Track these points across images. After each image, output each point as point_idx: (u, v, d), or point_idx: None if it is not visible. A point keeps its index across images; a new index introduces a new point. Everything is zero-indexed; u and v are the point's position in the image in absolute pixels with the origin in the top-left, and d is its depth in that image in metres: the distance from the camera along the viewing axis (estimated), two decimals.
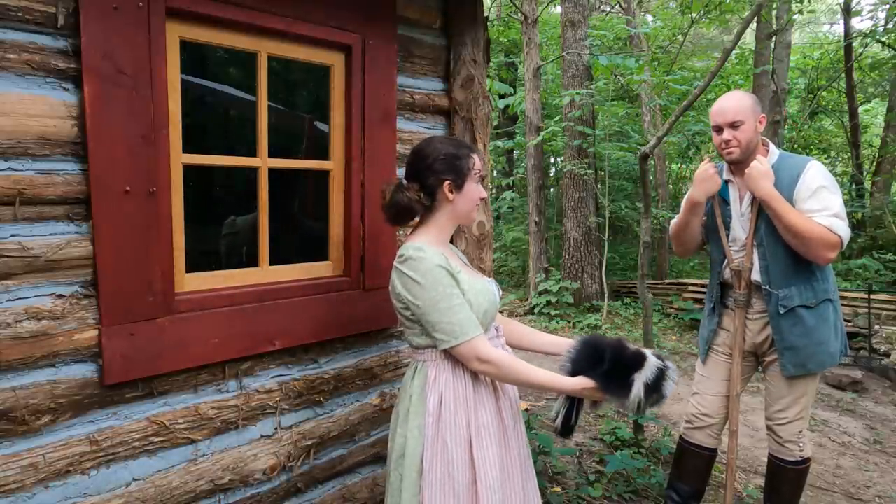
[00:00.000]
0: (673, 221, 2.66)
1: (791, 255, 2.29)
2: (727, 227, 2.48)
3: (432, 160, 1.69)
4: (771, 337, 2.41)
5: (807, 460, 2.47)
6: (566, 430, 1.77)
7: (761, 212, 2.33)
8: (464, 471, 1.63)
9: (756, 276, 2.41)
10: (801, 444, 2.43)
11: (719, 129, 2.35)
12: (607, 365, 1.62)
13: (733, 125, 2.30)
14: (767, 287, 2.36)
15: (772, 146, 2.41)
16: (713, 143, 2.43)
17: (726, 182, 2.48)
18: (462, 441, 1.64)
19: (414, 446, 1.66)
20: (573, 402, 1.74)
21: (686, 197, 2.50)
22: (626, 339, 1.78)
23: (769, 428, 2.50)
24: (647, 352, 1.67)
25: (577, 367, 1.68)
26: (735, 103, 2.32)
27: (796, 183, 2.26)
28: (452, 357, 1.67)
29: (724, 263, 2.50)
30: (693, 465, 2.65)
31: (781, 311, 2.33)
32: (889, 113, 10.43)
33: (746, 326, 2.48)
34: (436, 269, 1.60)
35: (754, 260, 2.40)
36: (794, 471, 2.47)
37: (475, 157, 1.73)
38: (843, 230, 2.17)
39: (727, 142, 2.33)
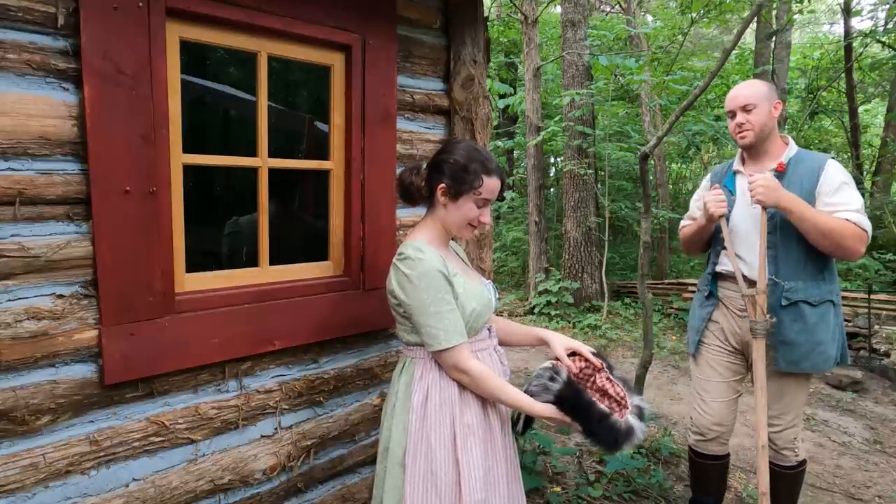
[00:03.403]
0: (685, 229, 2.62)
1: (803, 251, 2.26)
2: (727, 217, 2.41)
3: (442, 160, 1.70)
4: None
5: (803, 462, 2.47)
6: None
7: (770, 218, 2.27)
8: (447, 469, 1.63)
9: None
10: (796, 451, 2.43)
11: (733, 115, 2.38)
12: (594, 443, 1.62)
13: (745, 108, 2.32)
14: (774, 277, 2.30)
15: (791, 142, 2.40)
16: (729, 131, 2.42)
17: (734, 173, 2.46)
18: (446, 440, 1.64)
19: (397, 441, 1.68)
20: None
21: (702, 215, 2.43)
22: (605, 407, 1.66)
23: None
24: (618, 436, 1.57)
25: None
26: (748, 88, 2.35)
27: (817, 178, 2.25)
28: None
29: (721, 253, 2.46)
30: (714, 476, 2.63)
31: (784, 303, 2.29)
32: (889, 113, 10.43)
33: (738, 325, 2.45)
34: (432, 272, 1.61)
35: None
36: (790, 474, 2.46)
37: (487, 179, 1.66)
38: (868, 225, 2.19)
39: (741, 125, 2.34)
